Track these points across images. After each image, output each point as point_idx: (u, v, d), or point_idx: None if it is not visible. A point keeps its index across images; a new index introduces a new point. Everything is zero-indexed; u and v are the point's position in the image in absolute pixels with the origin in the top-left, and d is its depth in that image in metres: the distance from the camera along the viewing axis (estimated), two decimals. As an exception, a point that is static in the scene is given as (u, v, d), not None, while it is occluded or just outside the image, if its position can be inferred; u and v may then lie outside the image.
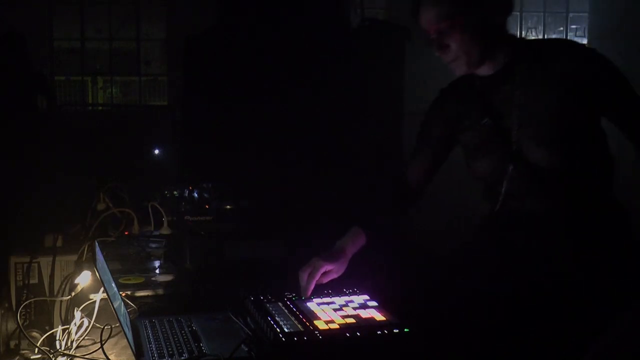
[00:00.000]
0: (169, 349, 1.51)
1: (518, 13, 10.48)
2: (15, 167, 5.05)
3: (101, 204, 2.58)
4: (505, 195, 1.88)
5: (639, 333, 1.77)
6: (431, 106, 2.05)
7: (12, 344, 1.61)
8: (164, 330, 1.63)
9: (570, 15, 10.55)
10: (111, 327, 1.55)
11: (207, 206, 3.03)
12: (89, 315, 1.65)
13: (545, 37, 10.55)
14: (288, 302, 1.71)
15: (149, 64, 9.67)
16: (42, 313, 1.67)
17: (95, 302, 1.66)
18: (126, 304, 1.73)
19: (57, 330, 1.62)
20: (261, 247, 2.55)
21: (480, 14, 1.80)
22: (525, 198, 1.86)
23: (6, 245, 1.79)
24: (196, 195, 3.13)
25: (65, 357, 1.53)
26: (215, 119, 4.94)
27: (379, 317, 1.61)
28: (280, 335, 1.47)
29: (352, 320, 1.58)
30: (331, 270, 1.92)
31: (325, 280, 1.90)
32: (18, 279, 1.68)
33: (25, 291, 1.67)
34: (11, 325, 1.61)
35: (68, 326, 1.62)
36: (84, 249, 1.82)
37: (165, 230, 2.60)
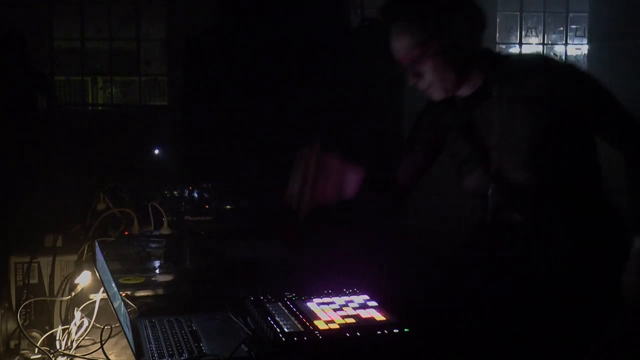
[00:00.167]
0: (169, 349, 1.51)
1: (518, 13, 10.50)
2: (16, 167, 5.05)
3: (101, 204, 2.58)
4: (492, 209, 1.90)
5: (638, 333, 1.77)
6: (423, 110, 2.05)
7: (12, 344, 1.61)
8: (164, 330, 1.63)
9: (570, 15, 10.54)
10: (111, 327, 1.55)
11: (207, 206, 3.03)
12: (89, 315, 1.65)
13: (545, 37, 10.56)
14: (288, 302, 1.71)
15: (149, 64, 9.67)
16: (42, 313, 1.67)
17: (95, 302, 1.66)
18: (126, 304, 1.73)
19: (57, 330, 1.62)
20: (261, 247, 2.55)
21: (450, 40, 1.79)
22: (511, 212, 1.87)
23: (6, 245, 1.79)
24: (196, 195, 3.13)
25: (65, 357, 1.53)
26: (215, 119, 4.94)
27: (379, 317, 1.61)
28: (280, 335, 1.47)
29: (352, 320, 1.58)
30: (330, 165, 1.91)
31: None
32: (18, 279, 1.68)
33: (25, 291, 1.67)
34: (11, 325, 1.61)
35: (68, 326, 1.62)
36: (84, 249, 1.82)
37: (165, 230, 2.60)
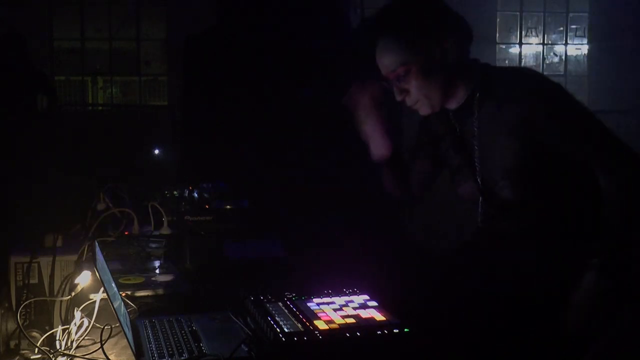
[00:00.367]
0: (169, 349, 1.51)
1: (518, 13, 10.51)
2: (16, 167, 5.05)
3: (101, 204, 2.58)
4: (483, 217, 1.93)
5: (638, 333, 1.77)
6: (419, 125, 2.09)
7: (12, 344, 1.61)
8: (164, 330, 1.63)
9: (570, 15, 10.55)
10: (111, 327, 1.55)
11: (207, 206, 3.03)
12: (89, 315, 1.65)
13: (545, 37, 10.57)
14: (288, 302, 1.71)
15: (149, 64, 9.68)
16: (42, 313, 1.67)
17: (95, 302, 1.66)
18: (126, 304, 1.73)
19: (57, 330, 1.62)
20: (261, 247, 2.55)
21: (434, 59, 1.80)
22: (499, 221, 1.90)
23: (6, 245, 1.79)
24: (196, 195, 3.13)
25: (65, 357, 1.53)
26: (215, 119, 4.94)
27: (379, 317, 1.61)
28: (280, 335, 1.47)
29: (352, 320, 1.58)
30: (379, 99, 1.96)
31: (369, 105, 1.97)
32: (18, 279, 1.68)
33: (25, 291, 1.67)
34: (11, 325, 1.61)
35: (68, 326, 1.62)
36: (84, 249, 1.82)
37: (165, 230, 2.60)
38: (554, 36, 10.66)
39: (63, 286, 1.69)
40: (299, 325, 1.54)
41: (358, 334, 1.50)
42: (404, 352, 1.50)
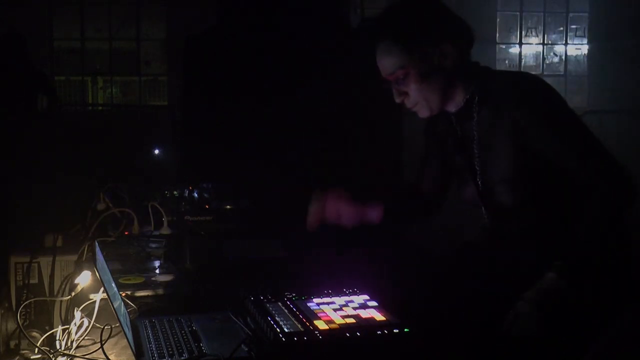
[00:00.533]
0: (169, 349, 1.51)
1: (518, 13, 10.51)
2: (16, 167, 5.05)
3: (101, 204, 2.58)
4: (483, 218, 1.95)
5: (638, 333, 1.77)
6: (425, 129, 2.09)
7: (12, 344, 1.61)
8: (164, 330, 1.63)
9: (570, 15, 10.54)
10: (111, 327, 1.55)
11: (207, 206, 3.03)
12: (89, 315, 1.65)
13: (545, 37, 10.56)
14: (288, 302, 1.71)
15: (149, 64, 9.68)
16: (42, 313, 1.67)
17: (95, 302, 1.66)
18: (126, 304, 1.73)
19: (57, 330, 1.62)
20: (261, 247, 2.55)
21: (433, 64, 1.80)
22: (503, 222, 1.90)
23: (6, 245, 1.79)
24: (196, 195, 3.13)
25: (65, 357, 1.53)
26: (215, 119, 4.94)
27: (379, 317, 1.61)
28: (280, 335, 1.47)
29: (352, 320, 1.58)
30: (342, 210, 1.93)
31: (333, 214, 1.91)
32: (18, 279, 1.68)
33: (25, 291, 1.67)
34: (11, 325, 1.61)
35: (68, 326, 1.62)
36: (84, 249, 1.82)
37: (165, 230, 2.60)
38: (554, 36, 10.66)
39: (63, 286, 1.69)
40: (299, 325, 1.53)
41: (358, 334, 1.50)
42: (404, 352, 1.50)
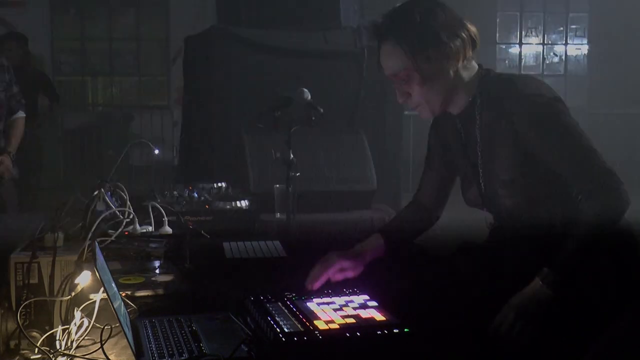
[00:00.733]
0: (169, 349, 1.51)
1: (518, 13, 10.50)
2: (16, 167, 5.03)
3: (101, 204, 2.58)
4: (486, 219, 1.98)
5: (638, 333, 1.77)
6: (429, 131, 2.09)
7: (12, 344, 1.61)
8: (164, 330, 1.63)
9: (570, 15, 10.54)
10: (111, 327, 1.55)
11: (207, 206, 3.03)
12: (89, 315, 1.65)
13: (545, 37, 10.56)
14: (288, 302, 1.71)
15: (149, 64, 9.67)
16: (42, 313, 1.67)
17: (95, 302, 1.66)
18: (126, 304, 1.73)
19: (57, 330, 1.61)
20: (261, 247, 2.56)
21: (436, 63, 1.80)
22: (504, 223, 1.92)
23: (6, 245, 1.79)
24: (196, 195, 3.13)
25: (65, 357, 1.53)
26: (215, 119, 4.94)
27: (379, 317, 1.61)
28: (280, 335, 1.47)
29: (352, 320, 1.58)
30: (347, 269, 1.92)
31: (340, 277, 1.91)
32: (18, 279, 1.68)
33: (25, 291, 1.67)
34: (11, 325, 1.61)
35: (68, 326, 1.62)
36: (84, 249, 1.82)
37: (165, 231, 2.60)
38: (554, 36, 10.65)
39: (63, 286, 1.69)
40: (299, 325, 1.54)
41: (358, 334, 1.50)
42: (404, 352, 1.50)
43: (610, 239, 1.75)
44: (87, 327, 1.63)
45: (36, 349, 1.56)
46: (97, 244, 1.72)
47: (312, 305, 1.70)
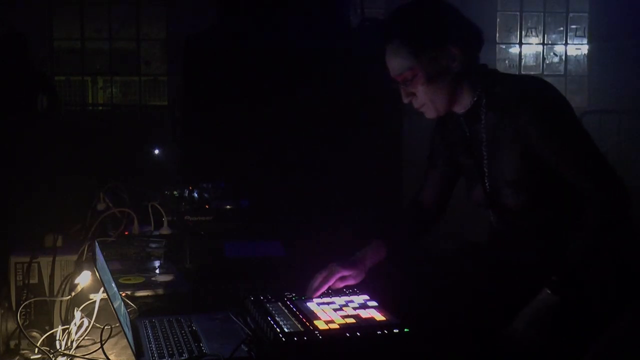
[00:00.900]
0: (169, 349, 1.51)
1: (518, 13, 10.51)
2: (16, 167, 5.04)
3: (101, 204, 2.58)
4: (492, 221, 1.96)
5: (638, 333, 1.77)
6: (433, 130, 2.09)
7: (12, 344, 1.61)
8: (164, 330, 1.64)
9: (570, 15, 10.55)
10: (111, 327, 1.55)
11: (207, 206, 3.04)
12: (89, 315, 1.65)
13: (545, 37, 10.57)
14: (288, 302, 1.71)
15: (149, 64, 9.68)
16: (42, 313, 1.67)
17: (95, 302, 1.67)
18: (126, 304, 1.73)
19: (57, 330, 1.62)
20: (261, 247, 2.56)
21: (441, 64, 1.81)
22: (509, 223, 1.91)
23: (6, 245, 1.79)
24: (196, 195, 3.13)
25: (65, 357, 1.53)
26: (215, 119, 4.94)
27: (379, 317, 1.61)
28: (280, 335, 1.47)
29: (352, 320, 1.58)
30: (348, 277, 1.92)
31: (341, 284, 1.91)
32: (18, 279, 1.68)
33: (25, 291, 1.67)
34: (11, 325, 1.61)
35: (68, 326, 1.62)
36: (84, 249, 1.82)
37: (165, 230, 2.60)
38: (554, 36, 10.66)
39: (63, 286, 1.69)
40: (299, 325, 1.54)
41: (358, 334, 1.50)
42: (404, 352, 1.50)
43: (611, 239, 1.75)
44: (87, 327, 1.63)
45: (36, 349, 1.56)
46: (97, 244, 1.72)
47: (312, 305, 1.70)
